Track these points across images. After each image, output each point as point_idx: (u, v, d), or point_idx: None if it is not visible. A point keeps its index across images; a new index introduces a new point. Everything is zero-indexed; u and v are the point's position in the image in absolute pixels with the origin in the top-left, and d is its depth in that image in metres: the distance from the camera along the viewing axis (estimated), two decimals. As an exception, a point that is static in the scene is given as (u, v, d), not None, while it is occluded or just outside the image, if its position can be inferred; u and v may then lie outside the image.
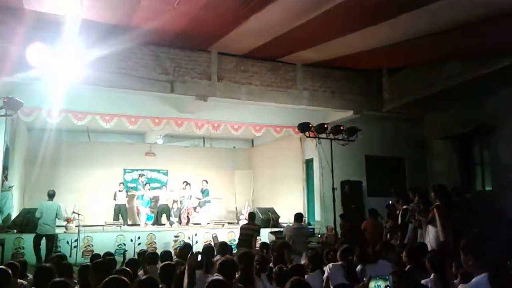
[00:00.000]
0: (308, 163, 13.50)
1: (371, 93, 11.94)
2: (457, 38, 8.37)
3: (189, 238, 11.30)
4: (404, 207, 7.91)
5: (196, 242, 11.19)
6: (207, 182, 13.96)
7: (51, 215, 9.65)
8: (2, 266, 4.55)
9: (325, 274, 4.76)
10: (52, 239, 9.69)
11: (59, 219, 9.95)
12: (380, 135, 12.68)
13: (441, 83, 10.17)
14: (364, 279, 2.86)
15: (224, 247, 6.53)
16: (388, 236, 8.45)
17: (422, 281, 3.91)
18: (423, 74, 10.77)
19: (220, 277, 3.45)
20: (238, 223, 13.48)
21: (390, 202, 8.84)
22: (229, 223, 13.41)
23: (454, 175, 11.89)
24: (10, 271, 4.38)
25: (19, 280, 5.06)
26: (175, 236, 11.28)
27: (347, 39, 8.86)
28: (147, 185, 13.83)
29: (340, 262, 4.90)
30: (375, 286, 2.62)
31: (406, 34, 8.45)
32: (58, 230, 10.77)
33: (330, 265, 4.81)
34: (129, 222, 13.38)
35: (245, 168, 16.79)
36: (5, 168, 10.24)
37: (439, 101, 11.07)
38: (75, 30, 8.21)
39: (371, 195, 12.44)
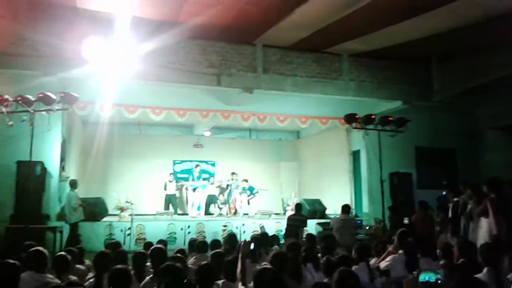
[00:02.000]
0: (355, 155, 13.35)
1: (420, 83, 11.59)
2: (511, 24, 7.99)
3: (237, 227, 11.53)
4: (455, 199, 7.69)
5: (244, 232, 11.41)
6: (247, 181, 14.07)
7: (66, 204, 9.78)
8: (62, 253, 4.82)
9: (385, 267, 4.74)
10: (71, 228, 9.63)
11: (72, 207, 9.72)
12: (430, 126, 12.33)
13: (494, 71, 9.74)
14: (414, 272, 2.85)
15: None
16: (438, 229, 8.25)
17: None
18: (475, 62, 10.34)
19: (269, 266, 3.51)
20: (284, 214, 13.60)
21: (444, 193, 8.61)
22: (275, 214, 13.52)
23: (509, 167, 11.39)
24: (69, 257, 4.66)
25: (77, 266, 5.37)
26: (224, 226, 11.53)
27: (394, 29, 8.67)
28: (200, 180, 13.98)
29: (398, 254, 4.83)
30: (425, 278, 2.60)
31: (458, 22, 8.16)
32: (112, 219, 11.32)
33: (391, 256, 4.78)
34: (179, 212, 13.78)
35: (291, 160, 16.82)
36: (62, 159, 10.74)
37: (492, 90, 10.62)
38: (125, 27, 8.49)
39: (421, 188, 12.15)
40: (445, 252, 4.80)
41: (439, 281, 2.57)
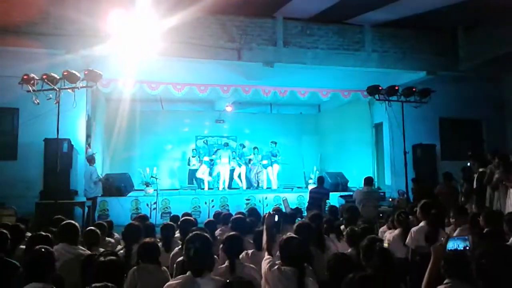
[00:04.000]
0: (378, 127, 13.22)
1: (445, 52, 11.31)
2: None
3: (259, 201, 11.64)
4: (481, 170, 7.59)
5: (267, 205, 11.50)
6: (275, 144, 14.09)
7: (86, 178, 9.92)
8: (92, 227, 4.98)
9: (408, 239, 4.76)
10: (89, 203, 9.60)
11: (93, 181, 10.03)
12: (455, 96, 12.05)
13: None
14: (442, 238, 2.85)
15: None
16: (463, 199, 8.18)
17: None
18: (502, 30, 10.00)
19: (294, 235, 3.58)
20: (306, 187, 13.63)
21: (468, 164, 8.49)
22: (298, 187, 13.58)
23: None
24: (99, 231, 4.82)
25: (107, 239, 5.55)
26: (246, 199, 11.67)
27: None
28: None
29: (421, 225, 4.83)
30: (453, 245, 2.61)
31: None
32: (138, 194, 11.55)
33: (414, 229, 4.79)
34: (202, 186, 13.97)
35: (312, 134, 16.78)
36: (88, 136, 10.94)
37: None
38: (146, 3, 8.49)
39: (445, 159, 12.02)
40: (473, 222, 4.79)
41: (467, 248, 2.57)
